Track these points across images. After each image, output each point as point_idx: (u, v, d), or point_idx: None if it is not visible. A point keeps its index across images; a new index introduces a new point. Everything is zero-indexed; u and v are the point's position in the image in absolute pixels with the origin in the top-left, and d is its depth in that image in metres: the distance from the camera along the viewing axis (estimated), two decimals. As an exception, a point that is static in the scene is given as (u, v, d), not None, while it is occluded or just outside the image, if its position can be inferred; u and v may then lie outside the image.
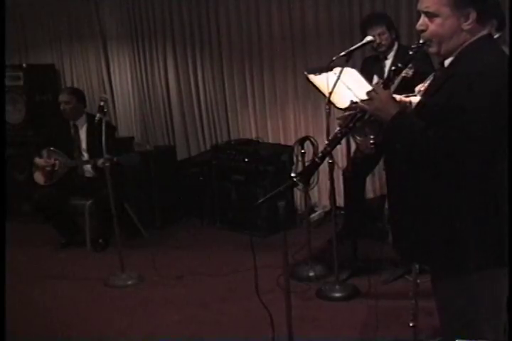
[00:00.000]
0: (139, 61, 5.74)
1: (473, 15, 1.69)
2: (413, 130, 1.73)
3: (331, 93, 3.03)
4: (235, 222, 4.87)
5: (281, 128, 5.29)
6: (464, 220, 1.73)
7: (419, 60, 2.68)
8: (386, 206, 3.45)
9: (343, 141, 2.62)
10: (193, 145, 5.74)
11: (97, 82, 6.00)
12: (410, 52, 1.84)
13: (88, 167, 4.60)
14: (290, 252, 3.00)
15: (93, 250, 4.56)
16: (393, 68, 1.88)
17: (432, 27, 1.74)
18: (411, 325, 2.49)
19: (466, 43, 1.74)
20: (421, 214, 1.81)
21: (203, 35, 5.40)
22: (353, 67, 3.38)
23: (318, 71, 3.26)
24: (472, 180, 1.70)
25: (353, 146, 3.85)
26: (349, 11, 4.70)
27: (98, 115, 3.80)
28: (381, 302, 3.14)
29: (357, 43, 3.23)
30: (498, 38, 2.82)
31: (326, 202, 5.02)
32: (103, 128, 3.73)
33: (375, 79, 3.77)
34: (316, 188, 4.77)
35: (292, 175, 1.96)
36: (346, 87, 3.12)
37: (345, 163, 4.29)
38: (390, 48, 3.83)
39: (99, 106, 3.83)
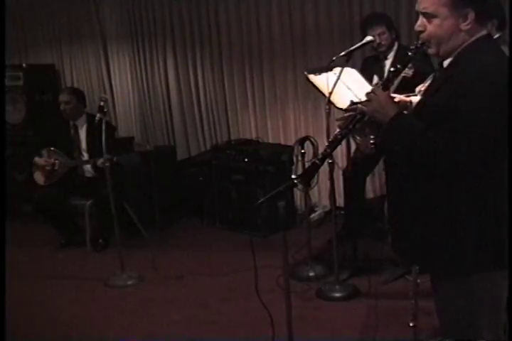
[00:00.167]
0: (139, 61, 5.74)
1: (471, 16, 1.68)
2: (412, 131, 1.73)
3: (331, 93, 3.03)
4: (235, 222, 4.87)
5: (281, 128, 5.29)
6: (463, 222, 1.72)
7: (419, 60, 2.68)
8: (386, 206, 3.46)
9: (343, 141, 2.62)
10: (193, 146, 5.74)
11: (97, 82, 6.00)
12: (409, 54, 1.84)
13: (88, 167, 4.60)
14: (290, 252, 3.00)
15: (93, 250, 4.56)
16: (392, 69, 1.88)
17: (431, 28, 1.73)
18: (411, 325, 2.48)
19: (465, 44, 1.73)
20: (420, 215, 1.80)
21: (203, 35, 5.40)
22: (353, 67, 3.38)
23: (318, 71, 3.26)
24: (471, 181, 1.70)
25: (353, 146, 3.86)
26: (349, 11, 4.70)
27: (98, 115, 3.81)
28: (381, 302, 3.14)
29: (357, 43, 3.23)
30: (498, 37, 2.82)
31: (326, 202, 5.02)
32: (103, 128, 3.73)
33: (375, 79, 3.77)
34: (316, 188, 4.78)
35: (293, 176, 1.96)
36: (346, 87, 3.12)
37: (345, 163, 4.30)
38: (390, 48, 3.83)
39: (99, 106, 3.84)
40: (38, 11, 6.01)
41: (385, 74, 3.61)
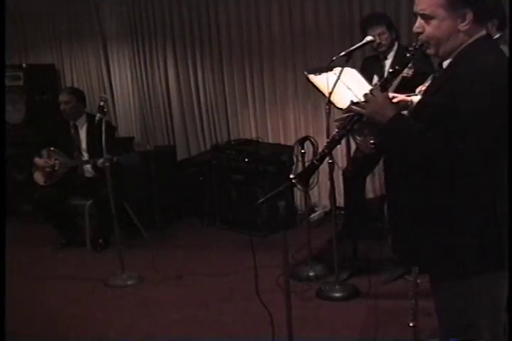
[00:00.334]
0: (139, 61, 5.74)
1: (469, 16, 1.67)
2: (410, 132, 1.73)
3: (331, 93, 3.02)
4: (235, 222, 4.87)
5: (281, 128, 5.29)
6: (463, 222, 1.72)
7: (419, 61, 2.68)
8: (386, 206, 3.46)
9: (343, 141, 2.62)
10: (193, 146, 5.74)
11: (97, 82, 6.01)
12: (408, 55, 1.84)
13: (88, 167, 4.60)
14: (290, 252, 3.00)
15: (93, 250, 4.56)
16: (390, 70, 1.88)
17: (429, 29, 1.72)
18: (411, 325, 2.49)
19: (465, 44, 1.72)
20: (419, 216, 1.80)
21: (202, 34, 5.40)
22: (353, 67, 3.38)
23: (318, 71, 3.26)
24: (470, 181, 1.69)
25: (353, 146, 3.86)
26: (349, 10, 4.70)
27: (98, 115, 3.81)
28: (381, 302, 3.15)
29: (357, 43, 3.23)
30: (499, 37, 2.82)
31: (326, 202, 5.02)
32: (103, 128, 3.73)
33: (375, 79, 3.77)
34: (316, 188, 4.77)
35: (291, 176, 1.96)
36: (346, 87, 3.12)
37: (345, 163, 4.30)
38: (390, 48, 3.83)
39: (99, 106, 3.84)
40: (38, 11, 6.01)
41: (385, 75, 3.62)
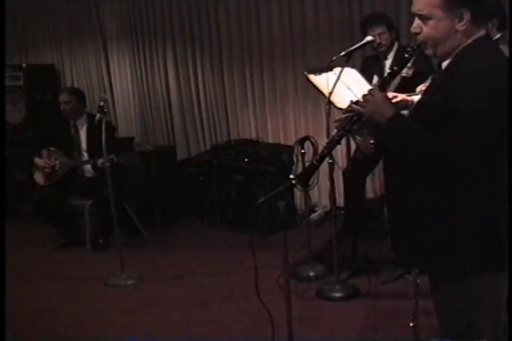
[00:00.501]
0: (139, 61, 5.74)
1: (467, 16, 1.66)
2: (409, 132, 1.73)
3: (331, 93, 3.02)
4: (235, 222, 4.87)
5: (281, 128, 5.29)
6: (462, 223, 1.71)
7: (419, 60, 2.68)
8: (386, 206, 3.46)
9: (343, 141, 2.62)
10: (193, 145, 5.74)
11: (97, 82, 6.00)
12: (406, 55, 1.84)
13: (88, 167, 4.60)
14: (290, 252, 2.99)
15: (93, 250, 4.56)
16: (388, 71, 1.88)
17: (426, 29, 1.72)
18: (411, 325, 2.49)
19: (464, 45, 1.72)
20: (418, 216, 1.79)
21: (202, 34, 5.40)
22: (353, 67, 3.38)
23: (318, 71, 3.26)
24: (469, 182, 1.69)
25: (353, 146, 3.86)
26: (349, 10, 4.70)
27: (98, 115, 3.80)
28: (381, 303, 3.15)
29: (357, 43, 3.23)
30: (499, 37, 2.81)
31: (326, 202, 5.02)
32: (103, 128, 3.73)
33: (375, 79, 3.77)
34: (316, 188, 4.77)
35: (291, 176, 1.96)
36: (346, 87, 3.12)
37: (345, 163, 4.30)
38: (390, 48, 3.83)
39: (99, 106, 3.84)
40: (38, 11, 6.01)
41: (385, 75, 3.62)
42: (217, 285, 3.75)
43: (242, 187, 4.81)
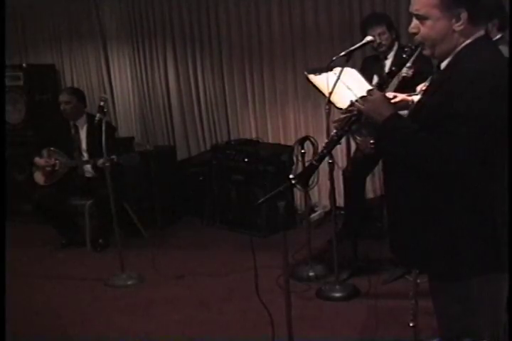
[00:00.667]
0: (139, 61, 5.74)
1: (464, 16, 1.66)
2: (405, 132, 1.72)
3: (331, 93, 3.02)
4: (235, 222, 4.87)
5: (281, 128, 5.29)
6: (461, 224, 1.71)
7: (419, 60, 2.68)
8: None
9: (343, 141, 2.62)
10: (193, 145, 5.74)
11: (97, 82, 6.00)
12: (404, 56, 1.83)
13: (88, 167, 4.60)
14: (290, 252, 3.00)
15: (93, 250, 4.56)
16: (387, 71, 1.88)
17: (424, 30, 1.72)
18: (411, 325, 2.49)
19: (463, 45, 1.71)
20: (417, 217, 1.79)
21: (202, 35, 5.40)
22: (353, 67, 3.37)
23: (318, 71, 3.26)
24: (467, 182, 1.69)
25: (353, 146, 3.86)
26: (349, 11, 4.70)
27: (98, 115, 3.80)
28: (381, 302, 3.15)
29: (357, 43, 3.23)
30: (500, 38, 2.80)
31: (326, 202, 5.02)
32: (103, 128, 3.73)
33: (375, 79, 3.77)
34: (316, 188, 4.78)
35: (291, 176, 1.96)
36: (346, 87, 3.12)
37: (345, 163, 4.30)
38: (390, 48, 3.83)
39: (99, 106, 3.83)
40: (38, 11, 6.01)
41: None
42: (217, 285, 3.75)
43: (242, 187, 4.81)
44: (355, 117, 1.89)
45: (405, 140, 1.72)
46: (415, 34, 1.76)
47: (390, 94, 2.03)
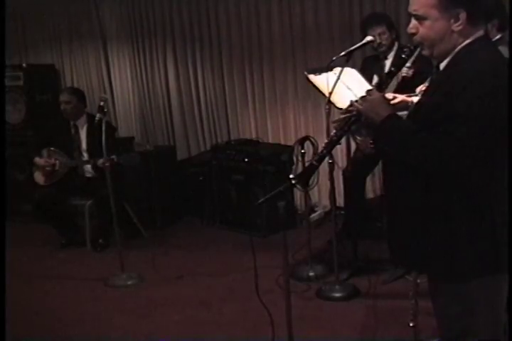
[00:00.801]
0: (139, 61, 5.74)
1: (463, 16, 1.65)
2: (403, 132, 1.72)
3: (331, 93, 3.02)
4: (235, 222, 4.87)
5: (281, 128, 5.29)
6: (461, 225, 1.70)
7: (419, 60, 2.68)
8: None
9: (343, 141, 2.62)
10: (193, 145, 5.75)
11: (97, 82, 6.01)
12: (403, 56, 1.83)
13: (88, 167, 4.60)
14: (290, 252, 3.00)
15: (93, 250, 4.56)
16: (386, 72, 1.88)
17: (422, 30, 1.72)
18: (411, 325, 2.49)
19: (462, 45, 1.71)
20: (416, 218, 1.79)
21: (202, 35, 5.40)
22: (353, 67, 3.38)
23: (318, 71, 3.26)
24: (466, 183, 1.68)
25: (353, 146, 3.86)
26: (349, 10, 4.71)
27: (98, 115, 3.80)
28: (381, 303, 3.15)
29: (357, 43, 3.23)
30: (499, 38, 2.80)
31: (326, 202, 5.02)
32: (103, 128, 3.73)
33: (375, 79, 3.77)
34: (316, 188, 4.77)
35: (291, 176, 1.96)
36: (346, 87, 3.12)
37: (345, 163, 4.30)
38: (390, 48, 3.83)
39: (99, 106, 3.83)
40: (38, 11, 6.01)
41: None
42: (217, 285, 3.75)
43: (242, 187, 4.81)
44: (355, 117, 1.89)
45: (404, 140, 1.72)
46: (414, 34, 1.76)
47: (389, 95, 2.03)
